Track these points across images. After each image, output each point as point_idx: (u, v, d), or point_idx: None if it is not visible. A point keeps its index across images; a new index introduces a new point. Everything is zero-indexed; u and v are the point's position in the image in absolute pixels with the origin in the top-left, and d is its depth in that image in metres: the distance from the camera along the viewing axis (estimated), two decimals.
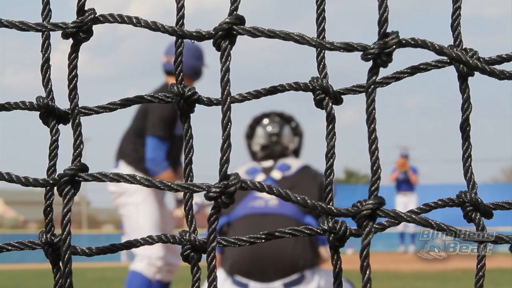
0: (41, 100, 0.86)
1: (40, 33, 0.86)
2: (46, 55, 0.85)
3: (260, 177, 4.33)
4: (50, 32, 0.86)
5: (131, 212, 5.08)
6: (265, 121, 4.62)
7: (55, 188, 0.88)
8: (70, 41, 0.86)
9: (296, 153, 4.65)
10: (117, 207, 5.31)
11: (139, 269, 4.95)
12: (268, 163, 4.43)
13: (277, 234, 0.98)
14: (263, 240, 0.96)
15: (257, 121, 4.64)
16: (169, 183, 0.89)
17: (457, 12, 0.90)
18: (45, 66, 0.85)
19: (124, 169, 5.13)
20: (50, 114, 0.86)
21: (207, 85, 5.30)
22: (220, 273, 4.04)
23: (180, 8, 0.86)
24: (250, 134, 4.65)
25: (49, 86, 0.86)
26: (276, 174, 4.34)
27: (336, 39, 0.91)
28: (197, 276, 0.94)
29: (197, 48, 5.32)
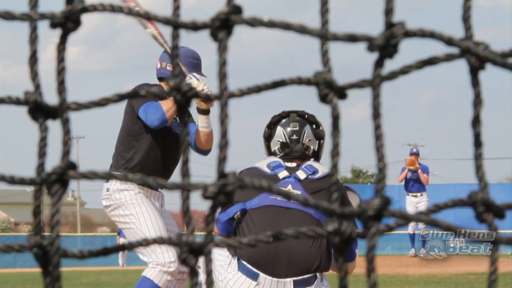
0: (29, 94, 0.81)
1: (29, 24, 0.81)
2: (33, 47, 0.81)
3: (282, 174, 4.20)
4: (43, 24, 0.82)
5: (132, 224, 4.97)
6: (285, 120, 4.48)
7: (44, 187, 0.84)
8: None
9: (316, 156, 4.51)
10: (115, 221, 5.18)
11: (151, 276, 4.86)
12: (292, 165, 4.30)
13: (281, 236, 0.93)
14: (269, 241, 0.91)
15: (276, 121, 4.50)
16: (163, 182, 0.85)
17: (469, 2, 0.85)
18: (33, 59, 0.81)
19: (112, 182, 5.00)
20: (38, 109, 0.81)
21: (207, 79, 5.17)
22: (222, 255, 3.90)
23: None
24: (268, 135, 4.51)
25: (37, 80, 0.81)
26: (301, 174, 4.21)
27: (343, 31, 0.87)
28: (195, 279, 0.89)
29: (194, 56, 5.21)
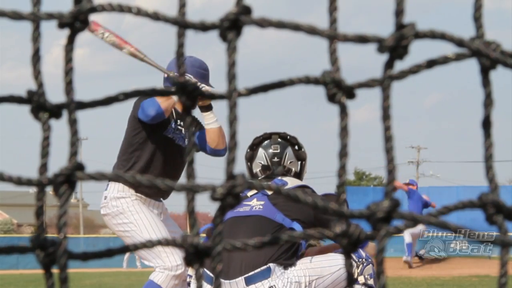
0: (31, 93, 0.80)
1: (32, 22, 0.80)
2: (36, 45, 0.80)
3: (251, 192, 4.24)
4: (48, 26, 0.82)
5: (133, 231, 4.94)
6: (267, 142, 4.54)
7: (50, 188, 0.83)
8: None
9: (298, 177, 4.54)
10: (115, 231, 5.14)
11: (159, 281, 4.83)
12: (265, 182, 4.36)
13: (285, 238, 0.92)
14: (268, 244, 0.91)
15: (257, 143, 4.56)
16: (171, 183, 0.84)
17: (480, 1, 0.85)
18: (35, 57, 0.80)
19: (113, 186, 4.98)
20: (41, 108, 0.81)
21: (212, 80, 5.16)
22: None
23: None
24: (250, 156, 4.56)
25: (40, 78, 0.80)
26: None
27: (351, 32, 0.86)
28: (201, 281, 0.89)
29: (202, 66, 5.18)
